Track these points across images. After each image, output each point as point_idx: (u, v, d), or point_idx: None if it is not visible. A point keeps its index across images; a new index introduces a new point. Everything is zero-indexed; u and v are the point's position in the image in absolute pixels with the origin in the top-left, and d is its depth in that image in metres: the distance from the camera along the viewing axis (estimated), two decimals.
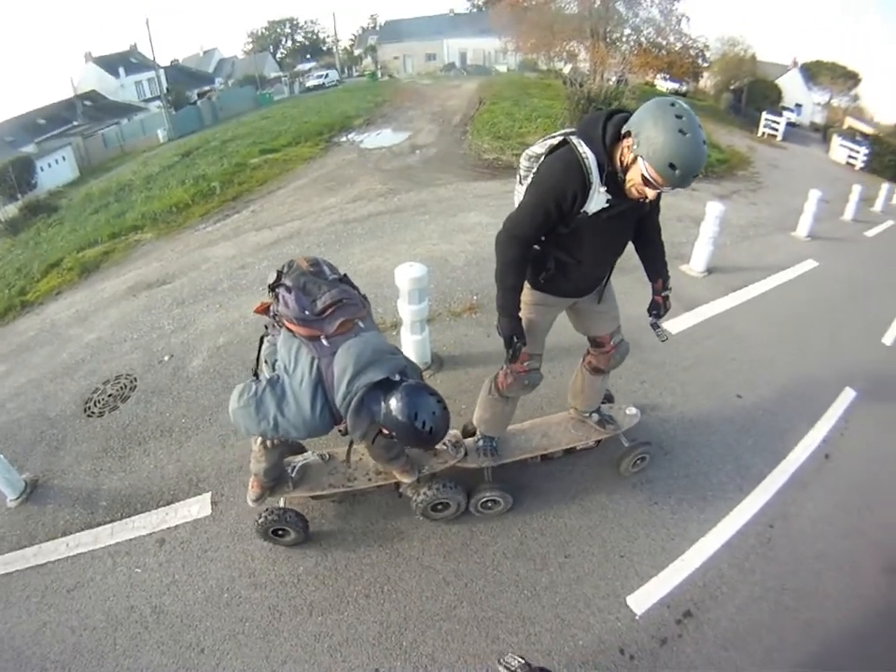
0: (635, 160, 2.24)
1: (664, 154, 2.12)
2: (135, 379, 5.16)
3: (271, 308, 2.66)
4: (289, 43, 68.28)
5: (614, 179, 2.39)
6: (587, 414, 3.80)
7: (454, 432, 3.57)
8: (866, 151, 29.19)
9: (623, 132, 2.31)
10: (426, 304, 4.35)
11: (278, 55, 64.72)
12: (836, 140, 28.65)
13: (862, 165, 28.53)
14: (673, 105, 2.19)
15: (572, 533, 3.55)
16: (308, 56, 62.79)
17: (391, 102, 26.28)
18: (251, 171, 13.76)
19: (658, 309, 3.12)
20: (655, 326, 3.15)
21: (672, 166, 2.13)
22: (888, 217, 15.95)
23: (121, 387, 5.14)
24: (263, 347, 2.75)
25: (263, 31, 66.70)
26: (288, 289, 2.51)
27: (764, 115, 31.34)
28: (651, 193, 2.33)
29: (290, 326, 2.50)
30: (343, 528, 3.50)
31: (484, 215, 8.84)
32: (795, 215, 10.08)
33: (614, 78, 18.66)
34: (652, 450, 3.94)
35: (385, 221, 8.30)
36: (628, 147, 2.27)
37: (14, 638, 3.57)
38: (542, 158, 2.64)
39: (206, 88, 47.20)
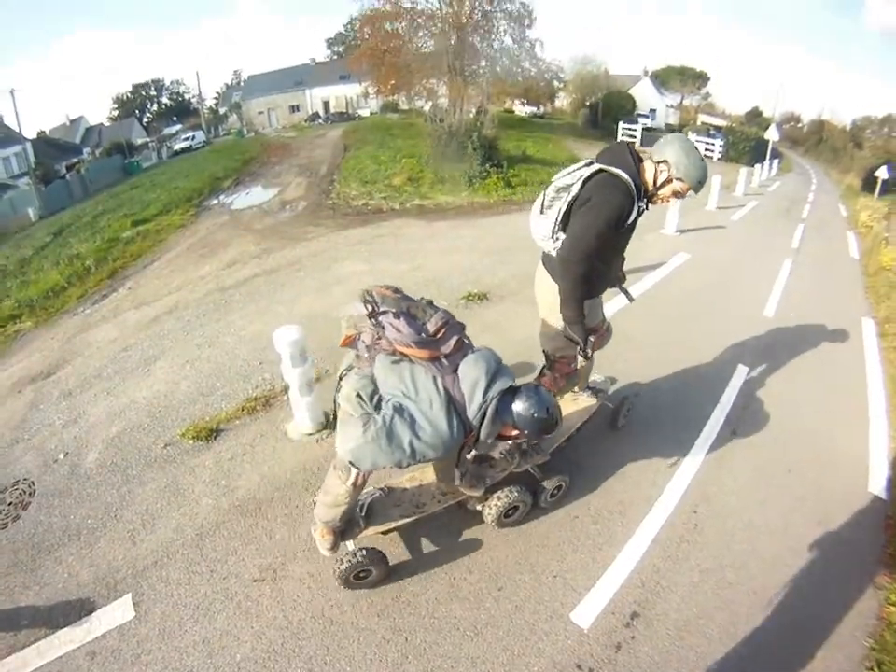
0: (669, 180, 3.04)
1: (695, 177, 3.01)
2: (33, 483, 4.79)
3: (359, 340, 2.67)
4: (155, 106, 66.04)
5: (643, 194, 3.11)
6: (581, 393, 4.27)
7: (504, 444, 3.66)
8: (721, 143, 31.65)
9: (658, 160, 3.05)
10: (309, 363, 4.32)
11: (145, 119, 62.40)
12: (691, 137, 31.17)
13: (720, 156, 30.94)
14: (690, 142, 3.09)
15: (500, 565, 3.54)
16: (174, 118, 60.96)
17: (259, 158, 25.82)
18: (124, 245, 13.12)
19: (622, 281, 3.77)
20: (625, 291, 3.82)
21: (700, 183, 3.04)
22: (749, 199, 17.23)
23: (20, 493, 4.75)
24: (352, 382, 2.59)
25: (128, 95, 64.07)
26: (396, 315, 2.56)
27: (621, 124, 33.32)
28: (674, 200, 3.24)
29: (407, 350, 2.53)
30: (272, 607, 3.36)
31: (359, 262, 8.88)
32: (663, 212, 10.69)
33: (474, 110, 19.10)
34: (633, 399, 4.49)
35: (261, 284, 8.18)
36: (660, 171, 3.06)
37: None
38: (574, 188, 3.13)
39: (74, 160, 44.70)
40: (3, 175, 38.91)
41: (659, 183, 3.08)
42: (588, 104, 41.03)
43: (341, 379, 2.70)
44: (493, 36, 26.28)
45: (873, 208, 19.46)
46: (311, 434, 4.52)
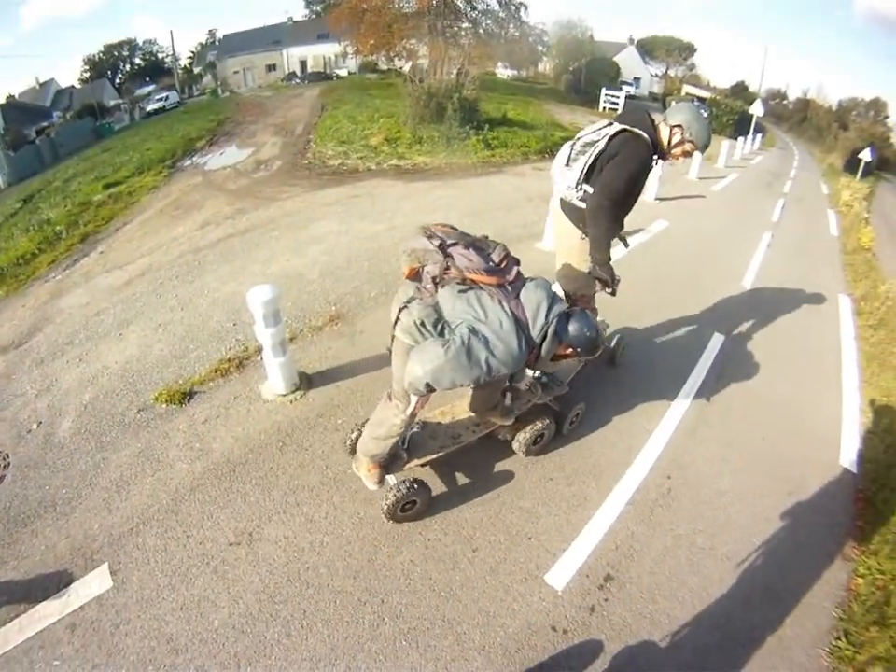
0: (682, 141, 3.51)
1: (703, 139, 3.52)
2: (7, 455, 4.62)
3: (424, 272, 2.78)
4: (128, 67, 63.35)
5: (657, 150, 3.55)
6: None
7: (528, 378, 3.92)
8: (704, 114, 31.46)
9: (672, 124, 3.49)
10: (282, 325, 4.16)
11: (117, 80, 59.88)
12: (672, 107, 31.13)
13: None
14: (699, 110, 3.64)
15: (475, 526, 3.50)
16: (147, 79, 58.34)
17: (233, 118, 25.04)
18: (96, 209, 12.65)
19: (621, 228, 3.94)
20: (622, 238, 3.99)
21: (706, 145, 3.56)
22: (731, 171, 17.10)
23: None
24: (414, 313, 2.72)
25: (100, 56, 61.37)
26: (465, 246, 2.77)
27: (604, 91, 32.71)
28: (684, 157, 3.67)
29: (477, 277, 2.71)
30: (248, 571, 3.28)
31: (334, 222, 8.63)
32: None
33: (454, 72, 18.62)
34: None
35: (235, 244, 7.91)
36: (674, 132, 3.51)
37: None
38: (600, 144, 3.49)
39: (45, 124, 43.02)
40: None
41: (673, 143, 3.53)
42: (571, 69, 40.11)
43: (400, 311, 2.79)
44: None
45: (854, 188, 19.50)
46: (285, 395, 4.39)
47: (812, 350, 6.13)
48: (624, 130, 3.45)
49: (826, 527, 3.84)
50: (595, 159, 3.49)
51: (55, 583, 3.56)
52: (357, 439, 3.60)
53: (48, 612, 3.50)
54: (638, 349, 5.33)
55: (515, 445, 3.82)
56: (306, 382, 4.55)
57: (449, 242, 2.78)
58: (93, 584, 3.45)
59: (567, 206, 3.83)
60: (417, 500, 3.39)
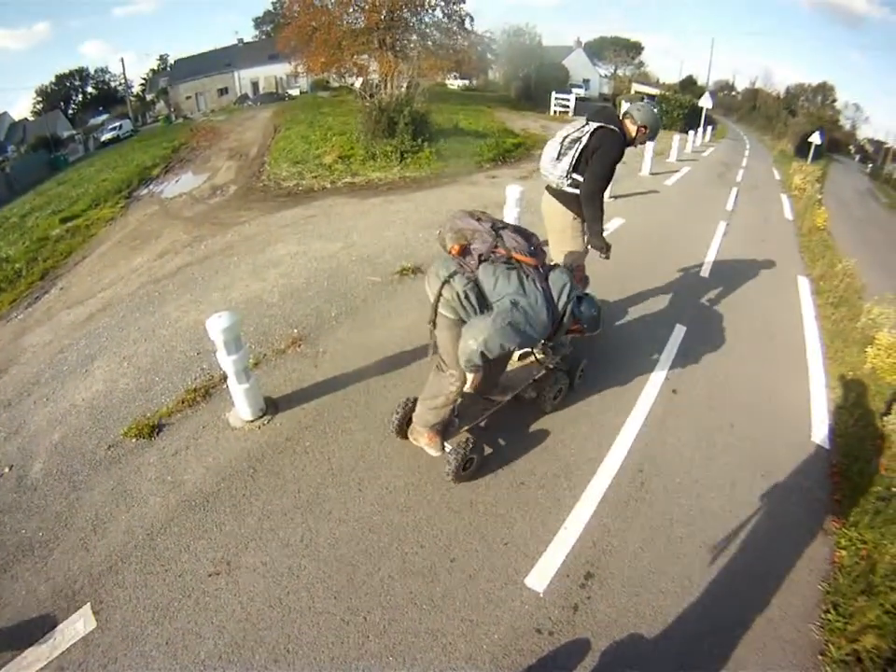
0: (639, 130, 4.26)
1: (656, 127, 4.34)
2: None
3: (471, 248, 3.14)
4: (80, 97, 61.64)
5: (626, 141, 4.29)
6: None
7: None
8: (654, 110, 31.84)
9: (629, 119, 4.28)
10: (245, 350, 4.12)
11: (70, 110, 58.27)
12: (623, 106, 31.46)
13: None
14: (650, 106, 4.43)
15: (450, 536, 3.48)
16: (101, 108, 56.71)
17: (188, 144, 24.54)
18: (54, 244, 12.32)
19: None
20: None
21: (656, 131, 4.35)
22: (683, 164, 17.32)
23: None
24: (459, 286, 3.03)
25: (52, 86, 59.64)
26: (514, 230, 3.25)
27: (554, 95, 32.74)
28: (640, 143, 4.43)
29: (521, 258, 3.11)
30: (230, 600, 3.24)
31: (292, 244, 8.53)
32: None
33: (405, 85, 18.56)
34: None
35: (194, 272, 7.76)
36: (633, 124, 4.27)
37: None
38: (583, 140, 4.19)
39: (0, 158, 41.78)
40: None
41: (635, 133, 4.28)
42: (521, 75, 40.12)
43: (442, 286, 3.06)
44: (423, 11, 25.37)
45: (806, 172, 19.78)
46: (252, 421, 4.34)
47: (775, 332, 6.25)
48: (601, 127, 4.15)
49: (803, 505, 3.90)
50: (581, 152, 4.20)
51: (40, 627, 3.45)
52: (401, 419, 3.92)
53: (35, 657, 3.39)
54: (603, 345, 5.36)
55: (541, 402, 4.32)
56: (272, 406, 4.51)
57: (500, 224, 3.23)
58: (78, 626, 3.36)
59: (558, 193, 4.51)
60: (475, 458, 3.72)
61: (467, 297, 3.01)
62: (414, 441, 3.82)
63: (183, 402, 4.65)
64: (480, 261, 3.09)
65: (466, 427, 3.82)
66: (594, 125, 4.17)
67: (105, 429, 4.55)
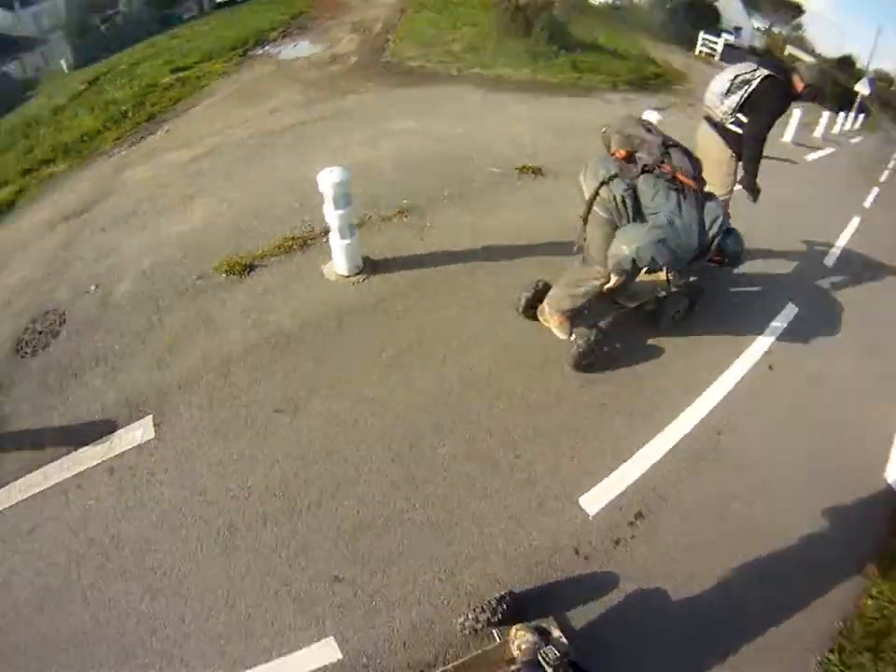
0: (805, 88, 4.34)
1: (821, 87, 4.43)
2: (64, 313, 4.92)
3: (635, 157, 3.33)
4: None
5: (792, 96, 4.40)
6: None
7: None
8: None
9: (798, 76, 4.35)
10: (352, 208, 4.23)
11: None
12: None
13: None
14: (823, 70, 4.92)
15: (521, 434, 3.54)
16: None
17: (308, 13, 24.80)
18: (163, 91, 12.82)
19: None
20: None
21: (820, 93, 4.47)
22: (827, 144, 16.12)
23: (51, 324, 4.91)
24: (616, 189, 3.23)
25: None
26: (682, 151, 3.41)
27: (702, 34, 31.13)
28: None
29: (685, 179, 3.28)
30: (289, 438, 3.46)
31: (410, 121, 8.52)
32: None
33: None
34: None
35: (307, 131, 7.91)
36: (800, 81, 4.33)
37: None
38: (753, 84, 4.34)
39: (110, 12, 43.62)
40: (34, 31, 38.32)
41: (801, 90, 4.35)
42: (668, 6, 38.05)
43: (601, 186, 3.25)
44: None
45: None
46: (347, 276, 4.49)
47: (883, 346, 5.78)
48: (772, 75, 4.30)
49: (854, 534, 3.66)
50: (749, 95, 4.37)
51: (99, 430, 3.83)
52: (530, 298, 4.14)
53: (89, 456, 3.79)
54: (711, 298, 5.15)
55: (659, 316, 4.44)
56: (370, 267, 4.62)
57: (671, 142, 3.38)
58: (136, 433, 3.71)
59: (720, 128, 4.69)
60: (597, 350, 3.86)
61: (624, 202, 3.20)
62: (544, 322, 4.02)
63: (279, 248, 4.84)
64: (642, 171, 3.26)
65: (600, 325, 3.96)
66: (765, 71, 4.34)
67: (197, 262, 4.81)
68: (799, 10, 58.16)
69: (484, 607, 2.67)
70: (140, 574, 3.30)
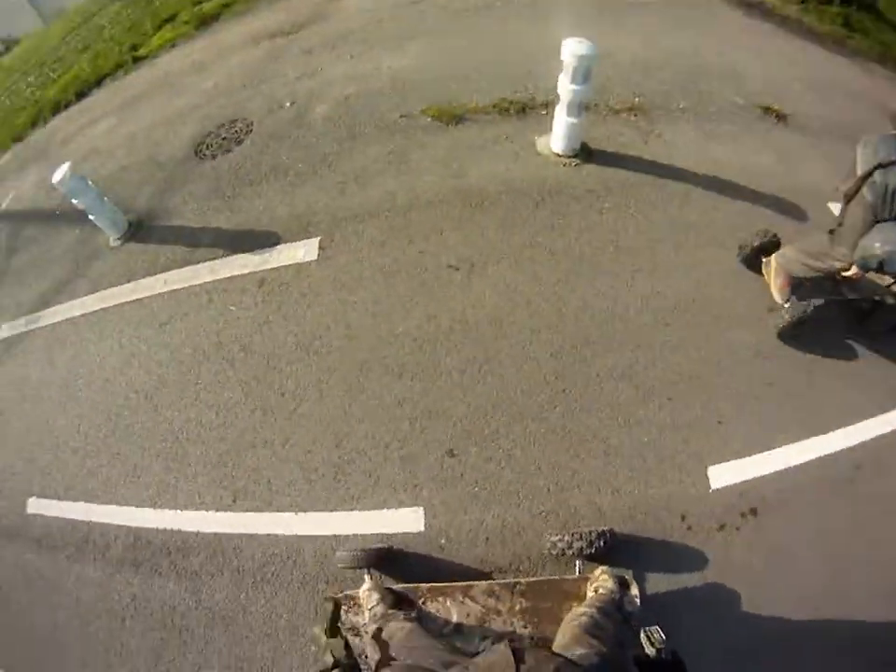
0: None
1: None
2: (252, 123, 5.33)
3: None
4: None
5: None
6: None
7: None
8: None
9: None
10: (589, 86, 4.22)
11: None
12: None
13: None
14: None
15: (685, 377, 3.55)
16: None
17: None
18: None
19: None
20: None
21: None
22: None
23: (236, 131, 5.35)
24: (892, 179, 3.07)
25: None
26: None
27: None
28: None
29: None
30: (454, 296, 3.63)
31: (674, 27, 8.22)
32: None
33: None
34: None
35: None
36: None
37: (104, 368, 4.14)
38: None
39: None
40: None
41: None
42: None
43: (874, 169, 3.06)
44: None
45: None
46: (560, 156, 4.51)
47: None
48: None
49: None
50: None
51: (261, 242, 4.21)
52: (755, 249, 3.95)
53: (242, 263, 4.19)
54: None
55: (870, 317, 4.05)
56: (585, 153, 4.61)
57: None
58: (299, 252, 4.03)
59: None
60: (808, 325, 3.69)
61: (894, 195, 3.04)
62: (766, 277, 3.91)
63: (494, 107, 4.91)
64: None
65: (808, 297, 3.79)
66: None
67: (403, 100, 5.00)
68: None
69: (583, 535, 2.81)
70: (258, 389, 3.66)
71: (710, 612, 2.95)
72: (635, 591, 2.64)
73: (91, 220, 4.68)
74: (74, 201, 4.48)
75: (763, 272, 3.96)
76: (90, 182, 4.54)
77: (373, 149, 4.52)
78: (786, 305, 3.75)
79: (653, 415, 3.37)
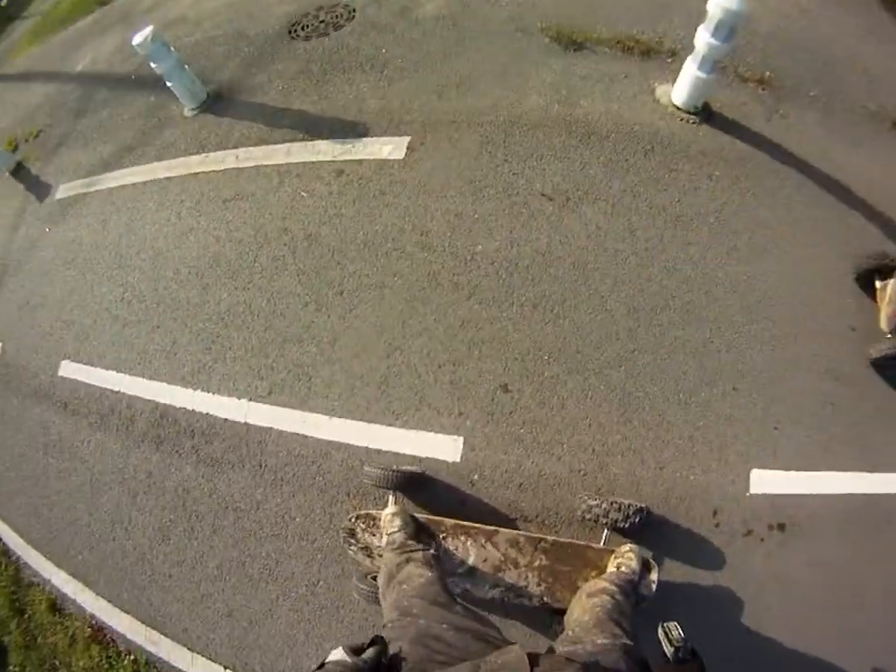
0: None
1: None
2: (354, 11, 5.07)
3: None
4: None
5: None
6: None
7: None
8: None
9: None
10: (732, 44, 3.90)
11: None
12: None
13: None
14: None
15: (751, 370, 3.37)
16: None
17: None
18: None
19: None
20: None
21: None
22: None
23: (337, 16, 5.08)
24: None
25: None
26: None
27: None
28: None
29: None
30: (542, 228, 3.41)
31: None
32: None
33: None
34: None
35: None
36: None
37: (157, 238, 4.14)
38: None
39: None
40: None
41: None
42: None
43: None
44: None
45: None
46: (679, 109, 4.22)
47: None
48: None
49: None
50: None
51: (346, 131, 3.99)
52: (870, 269, 3.62)
53: (322, 150, 3.99)
54: None
55: None
56: (706, 114, 4.32)
57: None
58: (385, 148, 3.81)
59: None
60: None
61: None
62: (878, 301, 3.57)
63: (618, 43, 4.60)
64: None
65: None
66: None
67: (522, 14, 4.67)
68: None
69: (622, 507, 2.77)
70: (316, 283, 3.54)
71: (710, 614, 2.95)
72: (654, 576, 2.66)
73: (167, 88, 4.57)
74: (153, 65, 4.36)
75: (877, 295, 3.67)
76: (171, 48, 4.38)
77: (480, 57, 4.27)
78: (888, 336, 3.50)
79: (715, 401, 3.24)
